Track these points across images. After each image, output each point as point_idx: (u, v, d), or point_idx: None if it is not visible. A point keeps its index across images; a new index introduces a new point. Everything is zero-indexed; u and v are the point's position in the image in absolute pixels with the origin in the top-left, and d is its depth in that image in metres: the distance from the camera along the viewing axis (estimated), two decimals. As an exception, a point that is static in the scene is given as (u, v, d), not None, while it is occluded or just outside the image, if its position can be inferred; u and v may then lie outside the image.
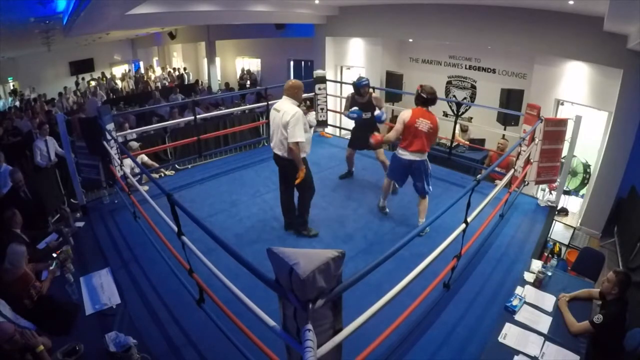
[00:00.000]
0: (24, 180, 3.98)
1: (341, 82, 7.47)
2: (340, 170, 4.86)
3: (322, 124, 6.09)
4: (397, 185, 4.08)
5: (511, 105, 6.23)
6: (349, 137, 6.85)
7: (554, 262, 3.02)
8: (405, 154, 3.44)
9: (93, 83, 13.71)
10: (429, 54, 8.27)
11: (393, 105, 7.69)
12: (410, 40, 8.18)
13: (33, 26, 7.34)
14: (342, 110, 4.35)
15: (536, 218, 3.95)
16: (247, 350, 2.07)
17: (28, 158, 6.06)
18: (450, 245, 2.41)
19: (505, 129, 6.15)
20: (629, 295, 2.45)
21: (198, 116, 5.19)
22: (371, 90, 4.34)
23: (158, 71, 15.87)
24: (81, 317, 2.58)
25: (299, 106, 3.16)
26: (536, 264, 2.98)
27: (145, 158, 5.36)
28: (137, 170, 4.92)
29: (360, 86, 4.19)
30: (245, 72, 12.92)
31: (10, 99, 12.64)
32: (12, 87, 13.23)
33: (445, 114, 7.83)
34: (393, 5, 7.25)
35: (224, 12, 7.11)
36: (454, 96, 8.06)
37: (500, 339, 2.33)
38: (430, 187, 3.56)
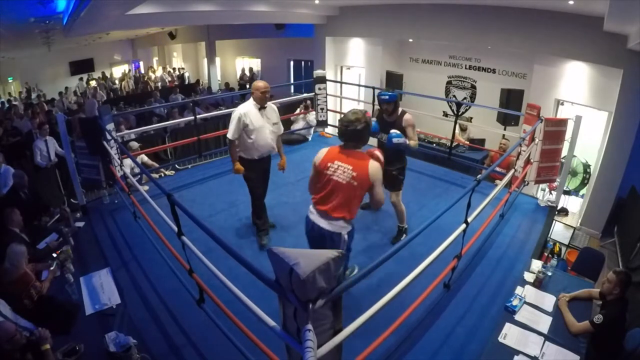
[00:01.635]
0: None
1: (341, 82, 7.48)
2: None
3: (322, 124, 6.10)
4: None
5: (511, 105, 6.23)
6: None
7: (554, 262, 3.03)
8: (311, 212, 2.32)
9: (93, 83, 13.70)
10: (429, 54, 8.27)
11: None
12: (410, 40, 8.18)
13: (33, 26, 7.33)
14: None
15: (536, 218, 3.95)
16: (247, 350, 2.07)
17: (28, 158, 6.07)
18: (450, 245, 2.40)
19: (505, 129, 6.14)
20: (628, 295, 2.45)
21: (198, 116, 5.18)
22: (403, 109, 3.21)
23: (159, 71, 15.86)
24: (81, 317, 2.58)
25: (261, 109, 3.10)
26: (536, 264, 2.98)
27: (145, 158, 5.36)
28: (137, 170, 4.92)
29: (380, 101, 3.18)
30: (244, 71, 12.92)
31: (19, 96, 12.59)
32: (25, 88, 13.18)
33: (445, 114, 7.83)
34: (393, 5, 7.25)
35: (224, 12, 7.11)
36: (454, 96, 8.06)
37: (500, 339, 2.33)
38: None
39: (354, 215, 2.25)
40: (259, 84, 3.09)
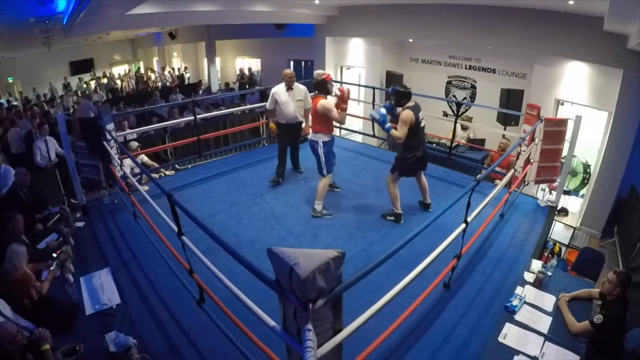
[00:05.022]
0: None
1: (341, 82, 7.47)
2: (339, 170, 4.85)
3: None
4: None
5: (511, 105, 6.22)
6: (350, 137, 6.81)
7: (554, 262, 3.02)
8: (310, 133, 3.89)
9: (92, 83, 13.70)
10: (429, 54, 8.27)
11: (393, 105, 7.69)
12: (410, 40, 8.18)
13: (33, 26, 7.33)
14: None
15: (536, 218, 3.95)
16: (247, 350, 2.07)
17: (28, 158, 6.05)
18: (450, 245, 2.41)
19: (505, 129, 6.14)
20: (628, 295, 2.45)
21: (198, 116, 5.18)
22: (407, 107, 3.46)
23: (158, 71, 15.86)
24: (81, 317, 2.58)
25: (288, 89, 4.30)
26: (536, 264, 2.98)
27: (145, 158, 5.36)
28: (137, 170, 4.92)
29: None
30: (243, 71, 12.89)
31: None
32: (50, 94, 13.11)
33: (445, 114, 7.83)
34: (393, 5, 7.25)
35: (224, 12, 7.11)
36: (454, 96, 8.06)
37: (500, 339, 2.33)
38: (324, 170, 3.79)
39: (327, 131, 3.73)
40: (286, 71, 4.33)
